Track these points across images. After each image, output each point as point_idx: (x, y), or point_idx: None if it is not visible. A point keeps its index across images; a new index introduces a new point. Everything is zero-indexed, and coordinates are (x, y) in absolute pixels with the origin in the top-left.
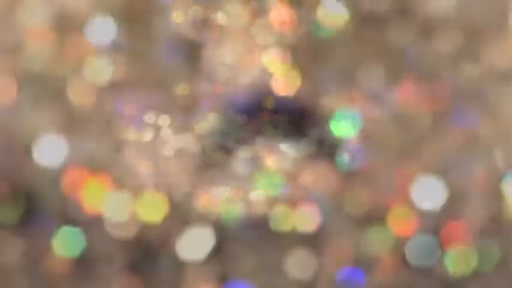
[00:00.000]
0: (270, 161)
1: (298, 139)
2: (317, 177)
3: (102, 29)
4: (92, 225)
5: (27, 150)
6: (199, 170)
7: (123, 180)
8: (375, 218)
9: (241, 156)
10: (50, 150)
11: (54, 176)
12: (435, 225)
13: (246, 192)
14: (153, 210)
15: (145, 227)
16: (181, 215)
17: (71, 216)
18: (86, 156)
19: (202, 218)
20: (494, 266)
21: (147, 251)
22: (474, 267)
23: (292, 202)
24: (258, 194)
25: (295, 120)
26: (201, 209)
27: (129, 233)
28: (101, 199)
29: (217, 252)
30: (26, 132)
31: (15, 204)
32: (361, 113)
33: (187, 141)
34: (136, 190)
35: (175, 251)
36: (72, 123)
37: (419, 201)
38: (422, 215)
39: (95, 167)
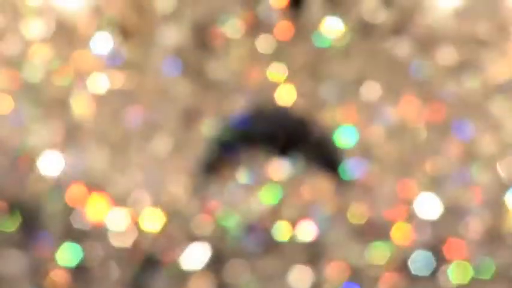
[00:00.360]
0: (271, 172)
1: (298, 150)
2: (316, 189)
3: (103, 41)
4: (92, 236)
5: (28, 164)
6: (200, 180)
7: (123, 194)
8: (375, 230)
9: (243, 166)
10: (51, 164)
11: (56, 189)
12: (435, 238)
13: (247, 203)
14: (152, 221)
15: (144, 238)
16: (181, 226)
17: (72, 228)
18: (87, 171)
19: (202, 229)
20: (495, 276)
21: (147, 262)
22: (474, 277)
23: (292, 213)
24: (259, 204)
25: (295, 131)
26: (201, 219)
27: (129, 244)
28: (101, 212)
29: (217, 263)
30: (27, 145)
31: (15, 216)
32: (360, 125)
33: (188, 153)
34: (137, 204)
35: (174, 262)
36: (73, 137)
37: (419, 213)
38: (422, 227)
39: (96, 182)
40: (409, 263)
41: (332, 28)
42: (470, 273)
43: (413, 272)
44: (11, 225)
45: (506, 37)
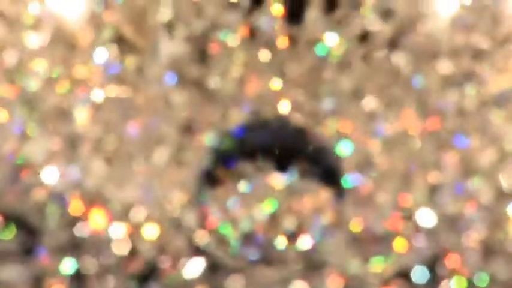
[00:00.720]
0: (269, 183)
1: (296, 161)
2: (314, 200)
3: (102, 52)
4: (91, 247)
5: (27, 174)
6: (199, 191)
7: (123, 205)
8: (373, 241)
9: (241, 177)
10: (50, 175)
11: (55, 200)
12: (433, 249)
13: (246, 213)
14: (151, 232)
15: (144, 248)
16: (180, 236)
17: (71, 239)
18: (85, 182)
19: (201, 239)
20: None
21: (146, 272)
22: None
23: (291, 224)
24: (258, 215)
25: (294, 142)
26: (200, 230)
27: (127, 254)
28: (101, 224)
29: (216, 272)
30: (25, 155)
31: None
32: (358, 137)
33: (187, 164)
34: (136, 215)
35: (174, 272)
36: (71, 148)
37: (417, 224)
38: (420, 238)
39: (95, 193)
40: (411, 272)
41: (330, 40)
42: (466, 285)
43: (415, 280)
44: (9, 234)
45: (503, 48)
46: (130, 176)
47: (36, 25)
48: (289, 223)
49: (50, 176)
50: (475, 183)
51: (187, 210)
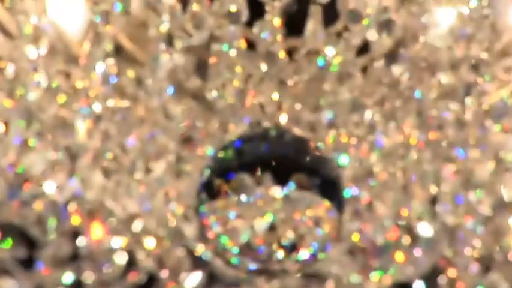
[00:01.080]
0: (270, 192)
1: (296, 173)
2: (314, 212)
3: (101, 64)
4: (92, 257)
5: (26, 186)
6: (199, 202)
7: (123, 216)
8: (373, 252)
9: (243, 186)
10: (52, 188)
11: (54, 211)
12: (436, 259)
13: (247, 222)
14: (152, 244)
15: (145, 260)
16: (180, 248)
17: (71, 250)
18: (85, 194)
19: (201, 251)
20: None
21: (146, 281)
22: None
23: (290, 235)
24: (257, 226)
25: (293, 154)
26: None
27: (126, 264)
28: (100, 235)
29: (215, 284)
30: (29, 169)
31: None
32: (358, 149)
33: (189, 173)
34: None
35: (175, 284)
36: (71, 159)
37: (417, 236)
38: (420, 249)
39: (94, 204)
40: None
41: (330, 51)
42: None
43: None
44: (8, 244)
45: (503, 60)
46: (130, 188)
47: (36, 36)
48: (288, 234)
49: (50, 187)
50: (475, 195)
51: (187, 221)
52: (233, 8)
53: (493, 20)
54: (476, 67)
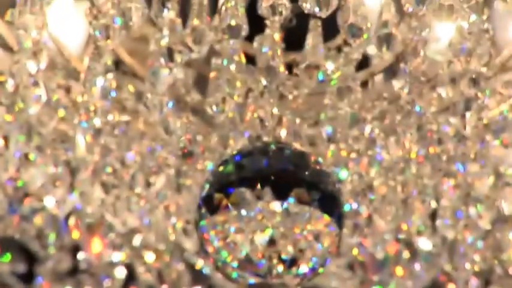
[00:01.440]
0: (270, 206)
1: (295, 188)
2: (313, 226)
3: (102, 78)
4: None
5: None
6: (200, 214)
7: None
8: (373, 267)
9: (243, 201)
10: (52, 203)
11: (54, 227)
12: (436, 273)
13: (247, 236)
14: (151, 256)
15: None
16: (180, 263)
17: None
18: (85, 208)
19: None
20: None
21: None
22: None
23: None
24: (259, 238)
25: (294, 167)
26: (201, 252)
27: (126, 276)
28: (101, 249)
29: None
30: (29, 183)
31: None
32: (358, 163)
33: (189, 188)
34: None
35: None
36: (70, 173)
37: (419, 247)
38: (420, 264)
39: (94, 219)
40: None
41: (330, 66)
42: None
43: None
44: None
45: (503, 75)
46: (130, 202)
47: (36, 50)
48: (288, 249)
49: (50, 202)
50: (475, 209)
51: (186, 235)
52: (233, 23)
53: (493, 34)
54: (476, 81)
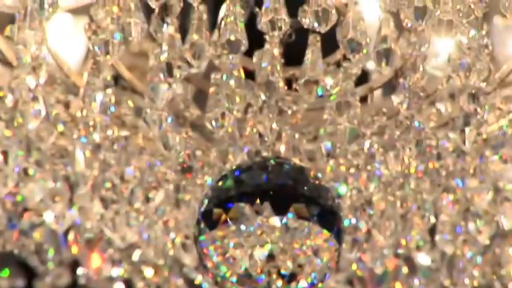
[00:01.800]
0: (269, 222)
1: (294, 203)
2: (312, 241)
3: (100, 94)
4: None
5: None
6: (199, 229)
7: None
8: (374, 280)
9: (242, 216)
10: (51, 218)
11: (53, 241)
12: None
13: (246, 252)
14: (150, 271)
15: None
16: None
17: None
18: (88, 224)
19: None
20: None
21: None
22: None
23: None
24: (258, 253)
25: (293, 182)
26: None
27: None
28: (100, 264)
29: None
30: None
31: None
32: (357, 178)
33: (188, 203)
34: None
35: None
36: (69, 188)
37: (418, 263)
38: (421, 276)
39: (93, 234)
40: None
41: (329, 81)
42: None
43: None
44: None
45: (502, 90)
46: (129, 217)
47: (35, 66)
48: (287, 264)
49: (49, 217)
50: (474, 224)
51: (185, 250)
52: (232, 38)
53: (492, 49)
54: (475, 97)
